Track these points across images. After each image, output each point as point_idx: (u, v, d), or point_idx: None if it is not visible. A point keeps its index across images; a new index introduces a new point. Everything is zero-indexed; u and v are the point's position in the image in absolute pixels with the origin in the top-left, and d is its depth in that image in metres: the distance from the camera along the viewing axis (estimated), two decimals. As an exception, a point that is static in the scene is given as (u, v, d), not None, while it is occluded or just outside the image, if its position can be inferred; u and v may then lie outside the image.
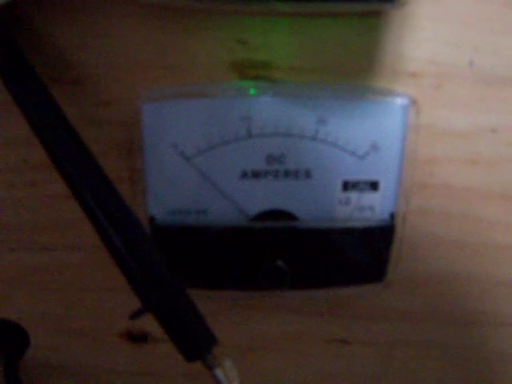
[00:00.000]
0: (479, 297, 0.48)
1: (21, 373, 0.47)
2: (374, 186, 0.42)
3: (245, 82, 0.40)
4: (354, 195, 0.42)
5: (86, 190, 0.34)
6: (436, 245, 0.46)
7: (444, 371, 0.52)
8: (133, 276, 0.35)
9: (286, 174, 0.41)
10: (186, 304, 0.35)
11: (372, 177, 0.41)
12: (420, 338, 0.50)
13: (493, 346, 0.51)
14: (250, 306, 0.48)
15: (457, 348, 0.51)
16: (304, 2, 0.35)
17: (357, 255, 0.43)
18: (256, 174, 0.40)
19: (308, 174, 0.41)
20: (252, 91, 0.39)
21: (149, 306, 0.35)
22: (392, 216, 0.43)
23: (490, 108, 0.42)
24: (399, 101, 0.40)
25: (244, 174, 0.40)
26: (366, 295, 0.47)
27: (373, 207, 0.42)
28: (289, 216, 0.42)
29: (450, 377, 0.52)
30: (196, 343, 0.35)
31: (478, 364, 0.51)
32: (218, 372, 0.35)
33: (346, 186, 0.41)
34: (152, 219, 0.42)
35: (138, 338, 0.49)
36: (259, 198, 0.41)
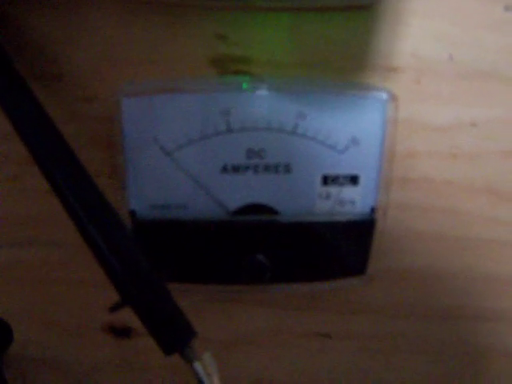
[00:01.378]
0: (460, 291, 0.48)
1: (4, 368, 0.47)
2: (354, 180, 0.42)
3: (225, 76, 0.40)
4: (334, 189, 0.42)
5: (66, 185, 0.34)
6: (417, 239, 0.46)
7: (425, 364, 0.52)
8: (112, 270, 0.35)
9: (266, 168, 0.41)
10: (164, 297, 0.36)
11: (352, 171, 0.42)
12: (401, 332, 0.50)
13: (473, 339, 0.51)
14: (231, 300, 0.48)
15: (438, 341, 0.51)
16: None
17: (338, 249, 0.43)
18: (236, 169, 0.41)
19: (288, 169, 0.41)
20: (234, 86, 0.40)
21: (127, 299, 0.35)
22: (373, 210, 0.43)
23: (470, 102, 0.42)
24: (379, 95, 0.40)
25: (224, 169, 0.40)
26: (347, 289, 0.47)
27: (353, 201, 0.42)
28: (269, 210, 0.42)
29: (431, 370, 0.52)
30: (174, 336, 0.36)
31: (458, 357, 0.52)
32: (197, 365, 0.35)
33: (326, 180, 0.42)
34: (133, 214, 0.42)
35: (120, 332, 0.49)
36: (239, 192, 0.41)
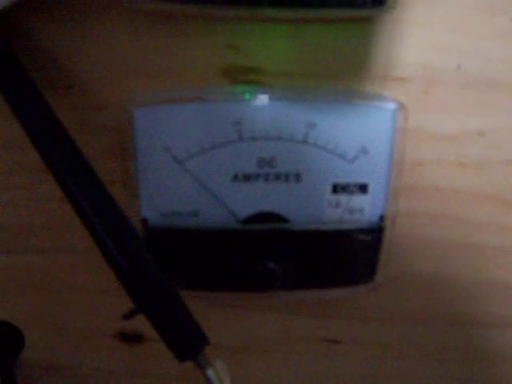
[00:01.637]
0: (468, 297, 0.49)
1: (16, 373, 0.47)
2: (363, 188, 0.42)
3: (236, 86, 0.40)
4: (343, 198, 0.42)
5: (80, 193, 0.35)
6: (425, 246, 0.46)
7: (433, 370, 0.52)
8: (125, 277, 0.35)
9: (277, 177, 0.41)
10: (177, 305, 0.36)
11: (361, 180, 0.42)
12: (409, 338, 0.51)
13: (481, 346, 0.51)
14: (241, 307, 0.48)
15: (445, 348, 0.51)
16: (293, 8, 0.36)
17: (347, 257, 0.44)
18: (247, 177, 0.41)
19: (298, 177, 0.41)
20: (243, 96, 0.40)
21: (141, 306, 0.35)
22: (381, 218, 0.43)
23: (477, 111, 0.42)
24: (388, 105, 0.41)
25: (235, 177, 0.41)
26: (355, 296, 0.48)
27: (362, 209, 0.43)
28: (279, 218, 0.42)
29: (439, 376, 0.53)
30: (187, 343, 0.36)
31: (466, 363, 0.52)
32: (210, 372, 0.36)
33: (336, 188, 0.42)
34: (145, 221, 0.42)
35: (131, 338, 0.49)
36: (250, 200, 0.42)
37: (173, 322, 0.36)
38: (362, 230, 0.43)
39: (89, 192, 0.35)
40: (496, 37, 0.40)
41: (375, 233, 0.43)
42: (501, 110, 0.42)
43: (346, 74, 0.41)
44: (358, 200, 0.42)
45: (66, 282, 0.46)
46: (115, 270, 0.35)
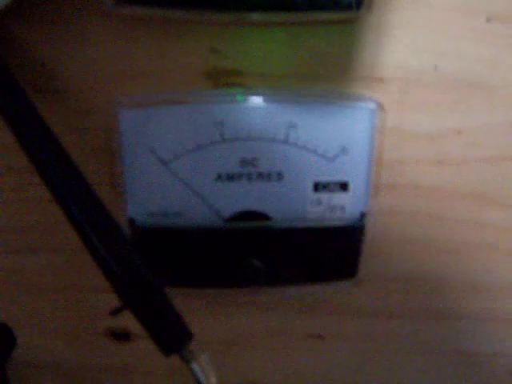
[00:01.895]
0: (448, 293, 0.50)
1: (8, 372, 0.48)
2: (343, 186, 0.43)
3: (218, 89, 0.41)
4: (324, 196, 0.43)
5: (67, 195, 0.35)
6: (405, 242, 0.47)
7: (416, 364, 0.53)
8: (112, 275, 0.36)
9: (259, 176, 0.42)
10: (162, 301, 0.37)
11: (342, 178, 0.43)
12: (393, 333, 0.51)
13: (461, 339, 0.52)
14: (227, 303, 0.49)
15: (427, 341, 0.52)
16: (277, 13, 0.37)
17: (329, 253, 0.45)
18: (230, 177, 0.42)
19: (280, 176, 0.42)
20: (227, 98, 0.41)
21: (127, 303, 0.36)
22: (362, 215, 0.44)
23: (455, 110, 0.43)
24: (367, 105, 0.41)
25: (219, 177, 0.42)
26: (338, 292, 0.48)
27: (343, 207, 0.44)
28: (262, 216, 0.43)
29: (421, 369, 0.54)
30: (172, 338, 0.37)
31: (449, 358, 0.53)
32: (195, 365, 0.37)
33: (317, 187, 0.43)
34: (132, 221, 0.43)
35: (120, 335, 0.50)
36: (234, 199, 0.43)
37: (158, 317, 0.36)
38: (343, 227, 0.44)
39: (76, 193, 0.36)
40: (472, 37, 0.41)
41: (356, 230, 0.44)
42: (478, 109, 0.43)
43: (326, 75, 0.41)
44: (338, 198, 0.43)
45: (57, 282, 0.47)
46: (103, 269, 0.36)
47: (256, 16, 0.37)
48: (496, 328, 0.52)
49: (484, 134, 0.44)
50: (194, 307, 0.48)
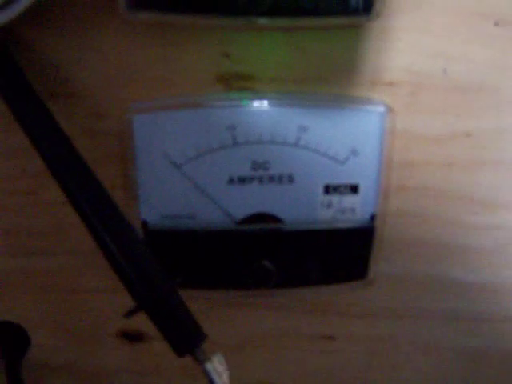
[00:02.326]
0: (457, 294, 0.50)
1: (22, 372, 0.49)
2: (354, 189, 0.44)
3: (230, 93, 0.42)
4: (335, 198, 0.44)
5: (82, 197, 0.36)
6: (415, 244, 0.47)
7: (426, 365, 0.53)
8: (127, 277, 0.36)
9: (271, 179, 0.43)
10: (176, 302, 0.37)
11: (352, 180, 0.43)
12: (403, 334, 0.52)
13: (472, 340, 0.52)
14: (238, 305, 0.50)
15: (438, 342, 0.52)
16: (286, 17, 0.37)
17: (339, 255, 0.45)
18: (242, 180, 0.42)
19: (291, 179, 0.43)
20: (237, 102, 0.41)
21: (142, 304, 0.37)
22: (372, 217, 0.45)
23: (464, 114, 0.43)
24: (376, 108, 0.42)
25: (231, 180, 0.42)
26: (349, 293, 0.49)
27: (353, 209, 0.44)
28: (274, 219, 0.44)
29: (432, 370, 0.54)
30: (186, 339, 0.37)
31: (459, 358, 0.53)
32: (208, 366, 0.37)
33: (328, 189, 0.43)
34: (145, 223, 0.44)
35: (133, 337, 0.50)
36: (245, 202, 0.43)
37: (171, 318, 0.37)
38: (353, 229, 0.45)
39: (90, 196, 0.36)
40: (481, 41, 0.41)
41: (366, 231, 0.45)
42: (487, 112, 0.43)
43: (336, 79, 0.42)
44: (349, 200, 0.44)
45: (70, 283, 0.48)
46: (117, 272, 0.37)
47: (264, 21, 0.37)
48: (507, 327, 0.52)
49: (493, 137, 0.44)
50: (205, 308, 0.48)
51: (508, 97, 0.43)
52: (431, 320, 0.51)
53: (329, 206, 0.44)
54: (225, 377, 0.37)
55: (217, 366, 0.37)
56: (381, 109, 0.42)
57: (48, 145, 0.36)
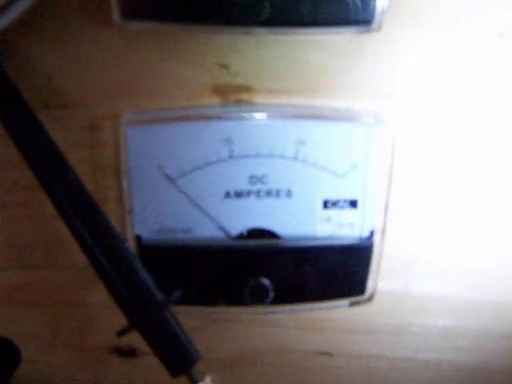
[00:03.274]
0: (457, 311, 0.49)
1: (13, 388, 0.48)
2: (353, 204, 0.43)
3: (227, 105, 0.41)
4: (334, 213, 0.43)
5: (72, 211, 0.35)
6: (414, 261, 0.47)
7: (425, 381, 0.53)
8: (119, 295, 0.36)
9: (268, 193, 0.42)
10: (170, 322, 0.37)
11: (351, 195, 0.43)
12: (401, 351, 0.51)
13: (470, 357, 0.52)
14: (235, 321, 0.49)
15: (438, 360, 0.52)
16: (284, 28, 0.36)
17: (337, 271, 0.44)
18: (239, 194, 0.42)
19: (289, 194, 0.42)
20: (234, 114, 0.40)
21: (135, 323, 0.36)
22: (371, 233, 0.44)
23: (467, 127, 0.43)
24: (377, 122, 0.41)
25: (227, 194, 0.42)
26: (347, 309, 0.48)
27: (353, 224, 0.43)
28: (271, 234, 0.43)
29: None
30: (180, 359, 0.37)
31: (460, 375, 0.53)
32: (202, 387, 0.37)
33: (327, 204, 0.43)
34: (138, 238, 0.43)
35: (126, 352, 0.50)
36: (242, 217, 0.42)
37: (166, 339, 0.36)
38: (352, 245, 0.44)
39: (81, 210, 0.36)
40: (484, 53, 0.40)
41: (365, 247, 0.44)
42: (490, 126, 0.43)
43: (334, 92, 0.41)
44: (348, 215, 0.43)
45: (62, 298, 0.47)
46: (109, 288, 0.36)
47: (263, 31, 0.37)
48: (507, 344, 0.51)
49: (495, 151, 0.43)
50: (201, 324, 0.47)
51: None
52: (430, 336, 0.50)
53: (327, 221, 0.43)
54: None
55: (210, 388, 0.36)
56: (381, 123, 0.41)
57: (37, 157, 0.36)
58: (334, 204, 0.42)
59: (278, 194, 0.42)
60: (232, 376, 0.51)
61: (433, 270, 0.47)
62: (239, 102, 0.41)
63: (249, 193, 0.42)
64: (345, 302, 0.46)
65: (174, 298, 0.38)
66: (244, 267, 0.43)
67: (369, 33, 0.37)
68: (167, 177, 0.41)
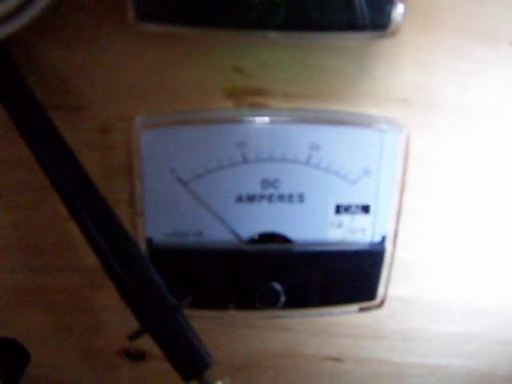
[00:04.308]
0: (468, 317, 0.49)
1: (21, 390, 0.48)
2: (365, 209, 0.43)
3: (240, 108, 0.41)
4: (346, 218, 0.43)
5: (85, 213, 0.35)
6: (426, 266, 0.47)
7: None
8: (130, 298, 0.36)
9: (280, 198, 0.42)
10: (182, 325, 0.36)
11: (363, 200, 0.43)
12: (412, 356, 0.51)
13: (480, 362, 0.52)
14: (245, 325, 0.49)
15: (448, 366, 0.52)
16: (297, 32, 0.36)
17: (349, 276, 0.44)
18: (251, 198, 0.41)
19: (301, 198, 0.42)
20: (247, 118, 0.40)
21: (146, 327, 0.36)
22: (383, 238, 0.44)
23: (478, 134, 0.43)
24: (390, 127, 0.41)
25: (239, 198, 0.41)
26: (357, 315, 0.48)
27: (364, 230, 0.43)
28: (283, 239, 0.43)
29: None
30: (192, 364, 0.36)
31: (465, 379, 0.53)
32: (214, 392, 0.36)
33: (339, 209, 0.42)
34: (150, 241, 0.43)
35: (135, 355, 0.50)
36: (254, 221, 0.42)
37: (178, 343, 0.36)
38: (364, 250, 0.44)
39: (93, 211, 0.35)
40: (496, 61, 0.40)
41: (377, 253, 0.44)
42: (502, 133, 0.43)
43: (349, 97, 0.41)
44: (360, 220, 0.43)
45: (72, 300, 0.47)
46: (121, 292, 0.36)
47: (277, 35, 0.36)
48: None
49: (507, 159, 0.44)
50: (211, 328, 0.47)
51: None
52: (440, 342, 0.50)
53: (339, 226, 0.43)
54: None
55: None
56: (394, 128, 0.41)
57: (50, 158, 0.35)
58: (346, 209, 0.42)
59: (290, 198, 0.42)
60: (241, 380, 0.51)
61: (443, 275, 0.47)
62: (253, 106, 0.41)
63: (261, 197, 0.41)
64: (355, 307, 0.46)
65: (186, 303, 0.37)
66: (255, 271, 0.43)
67: (384, 38, 0.37)
68: (179, 180, 0.41)
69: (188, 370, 0.36)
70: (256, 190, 0.41)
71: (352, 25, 0.36)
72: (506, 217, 0.45)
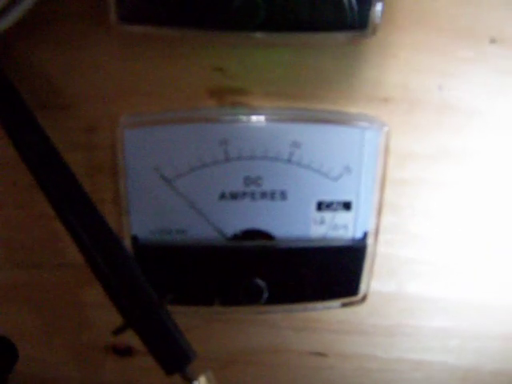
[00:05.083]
0: (452, 312, 0.50)
1: (10, 386, 0.48)
2: (347, 206, 0.43)
3: (223, 107, 0.41)
4: (328, 215, 0.43)
5: (69, 212, 0.36)
6: (407, 262, 0.47)
7: (417, 382, 0.53)
8: (114, 294, 0.36)
9: (263, 195, 0.42)
10: (165, 320, 0.37)
11: (345, 197, 0.43)
12: (394, 352, 0.52)
13: (462, 358, 0.52)
14: (229, 321, 0.49)
15: (428, 359, 0.52)
16: (281, 32, 0.37)
17: (331, 272, 0.45)
18: (234, 196, 0.42)
19: (284, 195, 0.42)
20: (230, 116, 0.41)
21: (130, 322, 0.36)
22: (365, 234, 0.44)
23: (459, 132, 0.43)
24: (371, 125, 0.42)
25: (222, 196, 0.42)
26: (340, 310, 0.48)
27: (346, 226, 0.44)
28: (266, 236, 0.43)
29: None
30: (175, 357, 0.37)
31: (449, 375, 0.53)
32: (197, 385, 0.37)
33: (321, 206, 0.43)
34: (135, 238, 0.43)
35: (122, 351, 0.50)
36: (237, 218, 0.43)
37: (161, 336, 0.37)
38: (346, 247, 0.44)
39: (78, 209, 0.36)
40: (476, 59, 0.41)
41: (359, 249, 0.44)
42: (481, 131, 0.43)
43: (330, 96, 0.42)
44: (342, 217, 0.43)
45: (59, 297, 0.47)
46: (105, 288, 0.36)
47: (259, 35, 0.37)
48: (498, 345, 0.52)
49: (486, 156, 0.44)
50: (195, 324, 0.48)
51: (504, 116, 0.42)
52: (423, 337, 0.51)
53: (321, 222, 0.43)
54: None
55: (206, 385, 0.37)
56: (375, 126, 0.42)
57: (36, 157, 0.36)
58: (328, 206, 0.43)
59: (272, 195, 0.42)
60: (226, 376, 0.51)
61: (426, 271, 0.48)
62: (235, 105, 0.41)
63: (244, 194, 0.42)
64: (338, 302, 0.46)
65: (168, 300, 0.38)
66: (239, 268, 0.44)
67: (364, 37, 0.38)
68: (164, 178, 0.41)
69: (170, 363, 0.37)
70: (239, 187, 0.42)
71: (332, 24, 0.36)
72: (488, 211, 0.46)
